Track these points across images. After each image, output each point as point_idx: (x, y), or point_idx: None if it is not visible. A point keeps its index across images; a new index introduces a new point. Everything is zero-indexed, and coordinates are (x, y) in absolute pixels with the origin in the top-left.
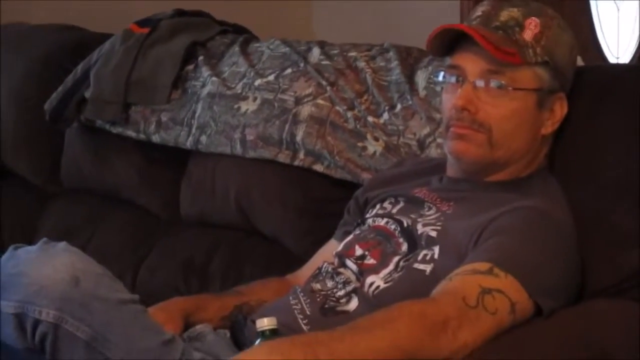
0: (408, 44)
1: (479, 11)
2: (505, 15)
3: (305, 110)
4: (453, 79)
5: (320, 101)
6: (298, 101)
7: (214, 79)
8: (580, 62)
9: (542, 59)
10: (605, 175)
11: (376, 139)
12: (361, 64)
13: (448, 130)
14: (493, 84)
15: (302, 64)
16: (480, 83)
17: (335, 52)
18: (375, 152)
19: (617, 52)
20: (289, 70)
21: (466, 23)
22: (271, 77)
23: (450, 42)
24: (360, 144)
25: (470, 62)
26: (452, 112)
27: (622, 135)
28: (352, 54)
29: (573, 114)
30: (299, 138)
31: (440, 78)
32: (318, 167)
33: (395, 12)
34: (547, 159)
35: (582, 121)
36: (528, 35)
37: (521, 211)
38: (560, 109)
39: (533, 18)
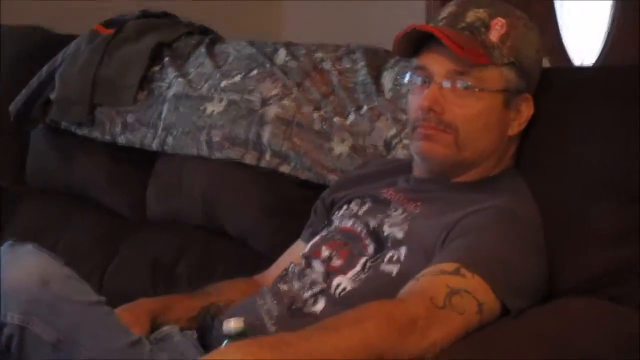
0: (375, 45)
1: (445, 12)
2: (471, 15)
3: (272, 111)
4: (419, 80)
5: (286, 102)
6: (264, 102)
7: (179, 80)
8: (546, 63)
9: (509, 59)
10: (574, 174)
11: (342, 140)
12: (328, 65)
13: (415, 131)
14: (459, 84)
15: (268, 65)
16: (446, 84)
17: (302, 53)
18: (341, 153)
19: (582, 54)
20: (255, 72)
21: (432, 24)
22: (237, 78)
23: (416, 43)
24: (326, 145)
25: (436, 63)
26: (418, 112)
27: (590, 135)
28: (319, 55)
29: (540, 115)
30: (265, 139)
31: (407, 79)
32: (284, 168)
33: (363, 13)
34: (514, 159)
35: (550, 121)
36: (494, 35)
37: (489, 210)
38: (526, 109)
39: (499, 18)
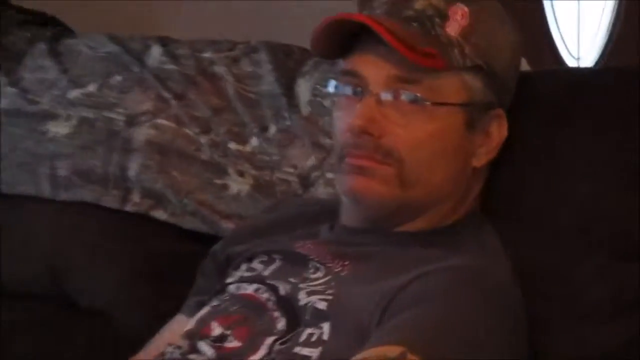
0: (286, 42)
1: None
2: (421, 2)
3: (141, 133)
4: (349, 90)
5: (162, 121)
6: (131, 121)
7: (10, 89)
8: (525, 65)
9: (473, 62)
10: (566, 219)
11: (241, 174)
12: (220, 70)
13: (342, 161)
14: (405, 96)
15: (136, 69)
16: (386, 96)
17: (184, 52)
18: (239, 192)
19: (577, 51)
20: (117, 78)
21: (367, 12)
22: (92, 88)
23: (344, 39)
24: (218, 181)
25: (372, 67)
26: (347, 136)
27: (588, 164)
28: (207, 55)
29: (518, 137)
30: (132, 173)
31: (331, 89)
32: (159, 214)
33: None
34: (480, 200)
35: (532, 146)
36: (453, 29)
37: (445, 273)
38: (498, 130)
39: (460, 6)
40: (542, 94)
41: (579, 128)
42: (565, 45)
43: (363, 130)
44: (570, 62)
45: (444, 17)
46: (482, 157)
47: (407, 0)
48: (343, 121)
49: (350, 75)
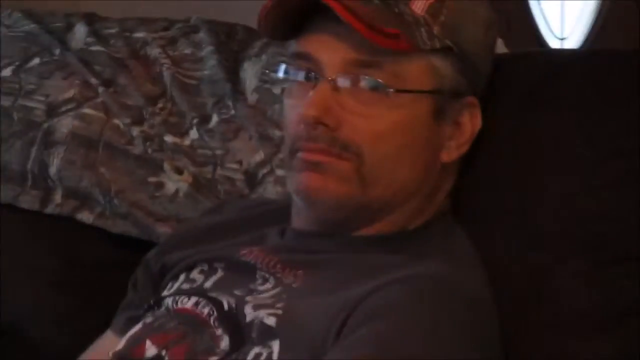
0: (229, 20)
1: None
2: None
3: (64, 124)
4: (301, 76)
5: (87, 111)
6: (52, 110)
7: None
8: (502, 48)
9: (442, 43)
10: (544, 220)
11: (179, 171)
12: (154, 51)
13: (293, 156)
14: (364, 83)
15: (57, 51)
16: (344, 82)
17: (113, 31)
18: (177, 192)
19: (560, 30)
20: (35, 61)
21: None
22: (7, 72)
23: (296, 17)
24: (153, 179)
25: (328, 49)
26: (299, 127)
27: (568, 159)
28: (140, 34)
29: (491, 128)
30: (53, 170)
31: (281, 74)
32: (85, 216)
33: None
34: (449, 200)
35: (506, 139)
36: (419, 6)
37: (409, 282)
38: (470, 121)
39: None
40: (519, 79)
41: (559, 118)
42: (548, 24)
43: (317, 120)
44: (554, 43)
45: None
46: (453, 151)
47: None
48: (294, 111)
49: (303, 59)
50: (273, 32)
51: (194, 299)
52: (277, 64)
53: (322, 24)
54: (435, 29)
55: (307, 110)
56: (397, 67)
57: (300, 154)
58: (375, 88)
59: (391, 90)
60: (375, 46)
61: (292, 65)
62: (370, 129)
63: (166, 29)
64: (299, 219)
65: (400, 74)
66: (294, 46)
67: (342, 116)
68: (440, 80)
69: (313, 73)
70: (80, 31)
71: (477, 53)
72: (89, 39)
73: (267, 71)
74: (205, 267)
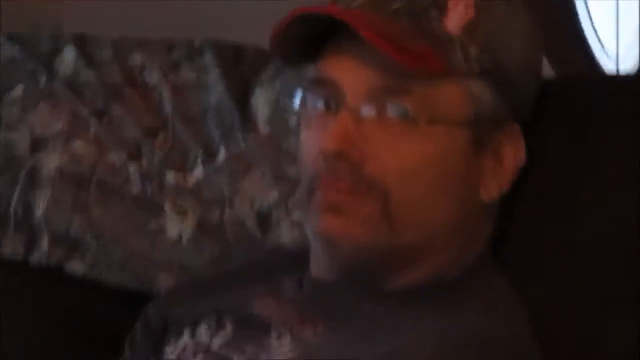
0: (238, 40)
1: None
2: None
3: (52, 161)
4: (321, 104)
5: (78, 145)
6: (38, 145)
7: None
8: (548, 69)
9: (481, 66)
10: (597, 262)
11: (183, 213)
12: (154, 78)
13: (312, 196)
14: (392, 111)
15: (44, 78)
16: (369, 111)
17: (106, 55)
18: (181, 237)
19: (616, 53)
20: (19, 91)
21: (342, 3)
22: None
23: (314, 38)
24: (153, 223)
25: (350, 74)
26: (319, 162)
27: (624, 198)
28: (137, 58)
29: (537, 162)
30: (40, 212)
31: (298, 102)
32: (75, 267)
33: None
34: (490, 244)
35: (557, 173)
36: (454, 24)
37: (445, 340)
38: (513, 153)
39: None
40: (568, 107)
41: (615, 152)
42: (601, 43)
43: (339, 155)
44: (608, 65)
45: (443, 8)
46: (493, 188)
47: None
48: (313, 144)
49: (322, 85)
50: (288, 55)
51: (200, 358)
52: (293, 91)
53: (344, 45)
54: (473, 50)
55: (328, 143)
56: (429, 93)
57: (319, 193)
58: (404, 117)
59: (422, 119)
60: (403, 69)
61: (310, 93)
62: (399, 165)
63: (167, 52)
64: (319, 267)
65: (433, 101)
66: (312, 71)
67: (368, 150)
68: (479, 108)
69: (334, 101)
70: (69, 55)
71: (520, 75)
72: (79, 64)
73: (282, 98)
74: (213, 322)
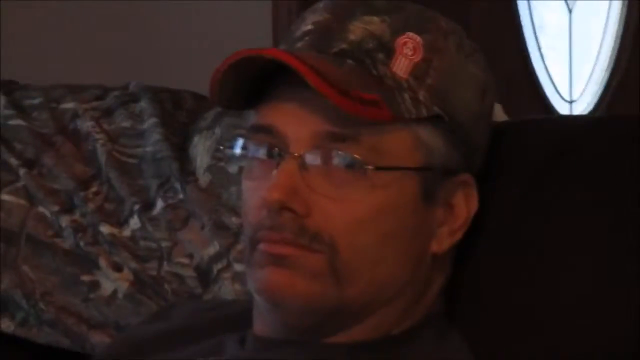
0: (175, 86)
1: (308, 22)
2: (358, 29)
3: None
4: (263, 153)
5: (7, 197)
6: None
7: None
8: (501, 114)
9: (430, 111)
10: (553, 329)
11: (117, 268)
12: (86, 125)
13: (254, 248)
14: (338, 160)
15: None
16: (314, 159)
17: (36, 102)
18: (116, 292)
19: (569, 92)
20: None
21: (284, 47)
22: None
23: (255, 83)
24: (86, 278)
25: (294, 121)
26: (261, 214)
27: (584, 251)
28: (69, 105)
29: (494, 210)
30: None
31: (239, 150)
32: (4, 324)
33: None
34: (441, 298)
35: (512, 222)
36: (402, 67)
37: None
38: (465, 202)
39: (410, 35)
40: (524, 152)
41: (573, 199)
42: (554, 85)
43: (282, 206)
44: (561, 107)
45: (389, 51)
46: (445, 239)
47: (338, 28)
48: (255, 194)
49: (264, 132)
50: (228, 101)
51: None
52: (234, 139)
53: (287, 90)
54: (422, 94)
55: (270, 193)
56: (377, 140)
57: (262, 246)
58: (351, 166)
59: (370, 167)
60: (350, 116)
61: (251, 140)
62: (346, 216)
63: (100, 98)
64: (263, 324)
65: (381, 148)
66: (253, 117)
67: (312, 200)
68: (429, 155)
69: (277, 149)
70: None
71: (471, 121)
72: (7, 112)
73: (221, 147)
74: None
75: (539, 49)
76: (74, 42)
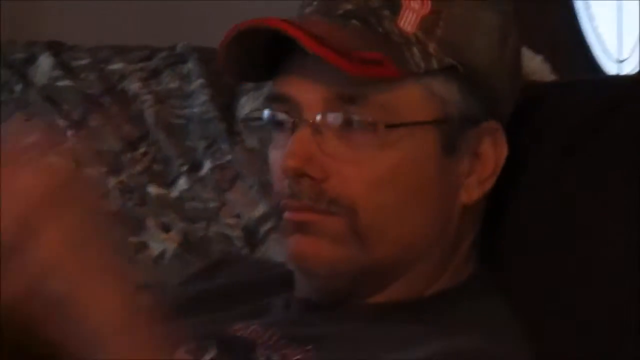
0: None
1: None
2: None
3: None
4: (282, 121)
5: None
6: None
7: None
8: (548, 73)
9: (441, 62)
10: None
11: (165, 228)
12: (134, 86)
13: (281, 217)
14: (350, 120)
15: (18, 87)
16: (325, 123)
17: (84, 62)
18: (164, 253)
19: (618, 51)
20: None
21: (297, 15)
22: None
23: (272, 54)
24: (133, 239)
25: (306, 88)
26: (283, 183)
27: (626, 214)
28: (116, 66)
29: (537, 168)
30: None
31: (265, 119)
32: None
33: None
34: (477, 251)
35: (555, 180)
36: (409, 22)
37: (434, 355)
38: (493, 149)
39: None
40: (568, 112)
41: (617, 159)
42: (602, 44)
43: (298, 173)
44: (610, 67)
45: (396, 7)
46: (474, 188)
47: None
48: (277, 164)
49: (280, 101)
50: (242, 74)
51: None
52: (266, 107)
53: (298, 57)
54: (431, 47)
55: (286, 162)
56: (386, 98)
57: (286, 214)
58: (363, 126)
59: (381, 126)
60: (357, 77)
61: (269, 110)
62: (362, 177)
63: (147, 58)
64: (301, 288)
65: (392, 105)
66: (270, 87)
67: (328, 164)
68: (444, 107)
69: (291, 117)
70: (44, 63)
71: (490, 68)
72: (55, 73)
73: (257, 112)
74: (193, 346)
75: (587, 6)
76: (121, 2)
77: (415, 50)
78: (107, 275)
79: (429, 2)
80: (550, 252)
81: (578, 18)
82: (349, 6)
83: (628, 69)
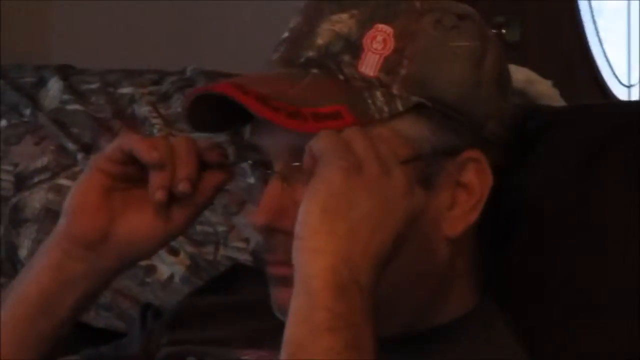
0: (230, 70)
1: (289, 27)
2: (325, 32)
3: (36, 198)
4: (256, 174)
5: (64, 182)
6: (22, 182)
7: None
8: (557, 97)
9: (406, 103)
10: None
11: (174, 252)
12: (143, 110)
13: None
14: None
15: (28, 111)
16: (292, 173)
17: (94, 86)
18: (172, 276)
19: (627, 76)
20: (2, 123)
21: (255, 72)
22: None
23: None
24: (142, 262)
25: (272, 136)
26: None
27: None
28: (126, 90)
29: (546, 194)
30: (24, 252)
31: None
32: None
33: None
34: (478, 280)
35: (564, 207)
36: (370, 65)
37: None
38: (477, 178)
39: (380, 28)
40: (577, 137)
41: (627, 185)
42: (612, 70)
43: (269, 228)
44: (619, 91)
45: (357, 50)
46: (458, 221)
47: (308, 32)
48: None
49: (254, 149)
50: (215, 128)
51: None
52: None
53: None
54: (395, 88)
55: (255, 220)
56: None
57: (267, 267)
58: None
59: None
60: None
61: (247, 158)
62: None
63: (157, 82)
64: None
65: None
66: (247, 134)
67: None
68: (415, 145)
69: (262, 168)
70: (54, 87)
71: (466, 96)
72: (65, 97)
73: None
74: None
75: (597, 32)
76: (130, 26)
77: (377, 94)
78: None
79: (392, 40)
80: (565, 287)
81: (588, 44)
82: (310, 53)
83: (637, 94)
